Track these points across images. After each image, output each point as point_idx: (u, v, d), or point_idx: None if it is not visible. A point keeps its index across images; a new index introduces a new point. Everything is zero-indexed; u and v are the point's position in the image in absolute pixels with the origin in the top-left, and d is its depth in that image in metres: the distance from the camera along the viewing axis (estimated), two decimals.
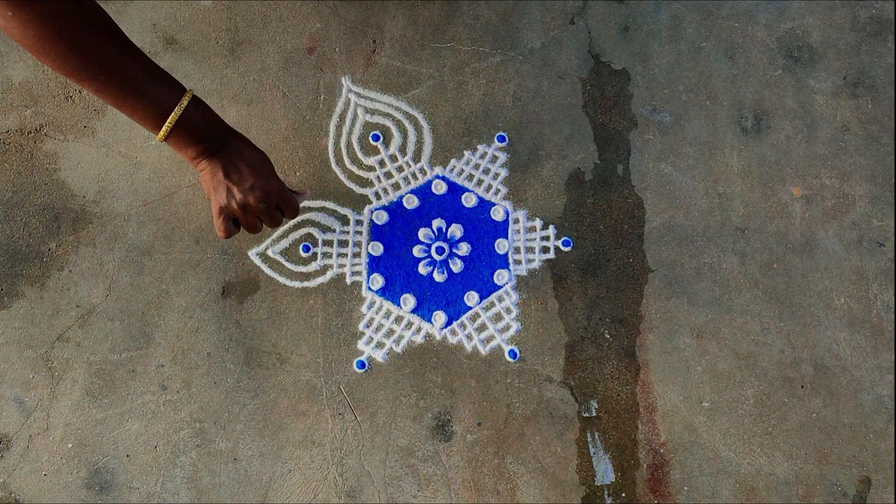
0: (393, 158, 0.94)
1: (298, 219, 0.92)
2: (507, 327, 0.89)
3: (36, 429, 0.87)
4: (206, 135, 0.74)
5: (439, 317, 0.89)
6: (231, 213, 0.77)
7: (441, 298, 0.90)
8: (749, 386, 0.87)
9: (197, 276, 0.90)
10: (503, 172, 0.93)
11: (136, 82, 0.69)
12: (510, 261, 0.91)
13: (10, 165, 0.94)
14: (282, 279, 0.90)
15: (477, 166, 0.94)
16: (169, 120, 0.71)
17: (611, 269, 0.91)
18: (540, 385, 0.88)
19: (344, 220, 0.92)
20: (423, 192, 0.93)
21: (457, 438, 0.87)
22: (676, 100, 0.95)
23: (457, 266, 0.91)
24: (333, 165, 0.94)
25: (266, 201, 0.77)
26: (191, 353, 0.89)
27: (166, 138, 0.72)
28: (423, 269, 0.91)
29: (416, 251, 0.91)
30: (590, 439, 0.86)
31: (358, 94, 0.96)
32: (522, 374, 0.88)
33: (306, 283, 0.90)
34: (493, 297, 0.90)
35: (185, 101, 0.71)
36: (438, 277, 0.90)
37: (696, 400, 0.87)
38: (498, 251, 0.91)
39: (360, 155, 0.94)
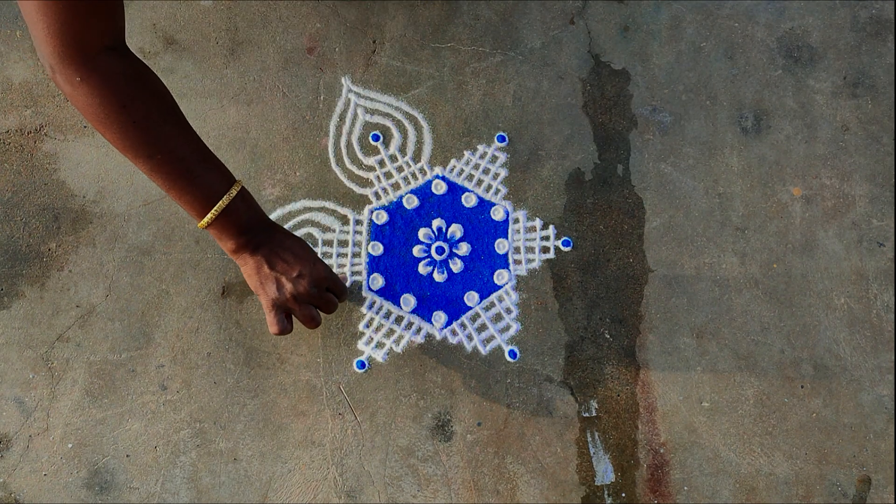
0: (393, 158, 0.94)
1: (298, 218, 0.92)
2: (507, 327, 0.89)
3: (36, 429, 0.87)
4: (249, 227, 0.72)
5: (439, 317, 0.89)
6: (283, 306, 0.75)
7: (441, 298, 0.90)
8: (749, 386, 0.87)
9: (197, 276, 0.90)
10: (503, 172, 0.93)
11: (190, 165, 0.67)
12: (510, 261, 0.91)
13: (10, 165, 0.94)
14: None
15: (477, 166, 0.94)
16: (215, 208, 0.69)
17: (611, 269, 0.91)
18: (540, 385, 0.88)
19: (344, 220, 0.92)
20: (423, 192, 0.93)
21: (457, 438, 0.87)
22: (676, 100, 0.95)
23: (457, 266, 0.91)
24: (333, 165, 0.94)
25: (317, 286, 0.75)
26: (191, 353, 0.89)
27: (209, 226, 0.71)
28: (423, 269, 0.91)
29: (416, 251, 0.91)
30: (590, 439, 0.86)
31: (358, 94, 0.96)
32: (522, 374, 0.88)
33: None
34: (493, 297, 0.90)
35: (234, 192, 0.70)
36: (438, 277, 0.90)
37: (696, 400, 0.87)
38: (498, 251, 0.91)
39: (360, 155, 0.94)
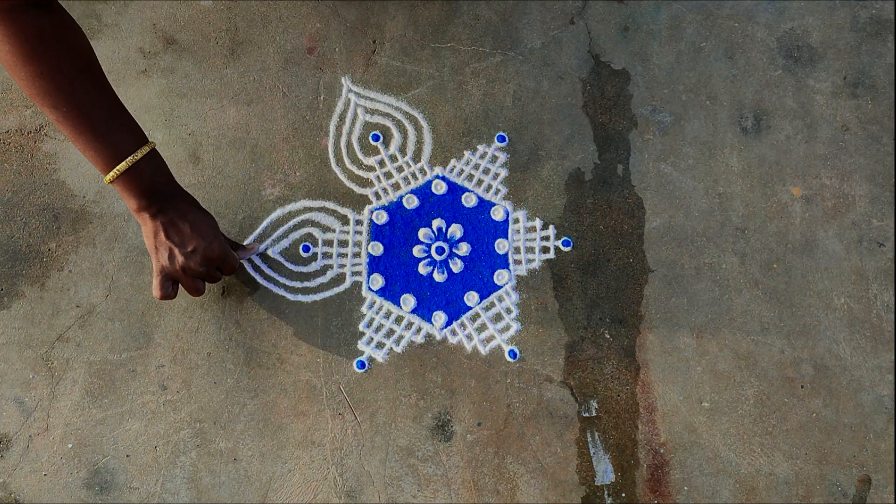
0: (393, 158, 0.94)
1: (298, 218, 0.92)
2: (507, 327, 0.89)
3: (36, 429, 0.87)
4: (153, 191, 0.73)
5: (439, 317, 0.89)
6: (171, 275, 0.77)
7: (441, 298, 0.90)
8: (749, 386, 0.87)
9: None
10: (503, 172, 0.93)
11: (97, 122, 0.69)
12: (510, 261, 0.91)
13: (10, 165, 0.94)
14: (282, 279, 0.90)
15: (477, 166, 0.94)
16: (117, 168, 0.71)
17: (611, 269, 0.91)
18: (540, 385, 0.88)
19: (344, 220, 0.92)
20: (423, 192, 0.93)
21: (457, 438, 0.87)
22: (676, 100, 0.95)
23: (457, 266, 0.91)
24: (333, 165, 0.94)
25: (207, 265, 0.77)
26: (191, 353, 0.89)
27: (112, 182, 0.72)
28: (423, 269, 0.91)
29: (416, 251, 0.91)
30: (590, 439, 0.86)
31: (358, 94, 0.96)
32: (522, 374, 0.88)
33: (306, 283, 0.90)
34: (493, 297, 0.90)
35: (139, 154, 0.71)
36: (438, 277, 0.90)
37: (696, 400, 0.87)
38: (498, 251, 0.91)
39: (360, 155, 0.94)
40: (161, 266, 0.77)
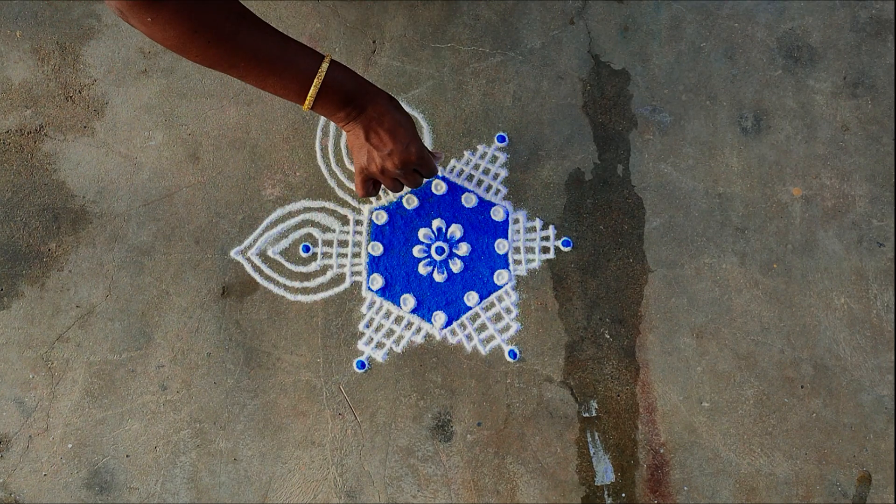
0: None
1: (298, 218, 0.92)
2: (507, 327, 0.89)
3: (36, 429, 0.87)
4: (348, 98, 0.75)
5: (439, 317, 0.89)
6: (370, 175, 0.79)
7: (441, 298, 0.90)
8: (749, 386, 0.87)
9: (197, 277, 0.90)
10: (503, 172, 0.93)
11: (273, 61, 0.70)
12: (510, 261, 0.91)
13: (10, 165, 0.94)
14: (282, 279, 0.90)
15: (477, 166, 0.94)
16: (310, 93, 0.72)
17: (611, 269, 0.91)
18: (540, 385, 0.88)
19: (344, 220, 0.92)
20: (423, 192, 0.93)
21: (457, 438, 0.87)
22: (676, 100, 0.95)
23: (457, 266, 0.91)
24: (333, 165, 0.94)
25: (404, 167, 0.78)
26: (191, 353, 0.89)
27: (312, 107, 0.74)
28: (422, 270, 0.91)
29: (416, 251, 0.91)
30: (590, 439, 0.86)
31: None
32: (522, 374, 0.88)
33: (306, 283, 0.90)
34: (492, 297, 0.90)
35: (323, 69, 0.72)
36: (438, 277, 0.90)
37: (696, 400, 0.87)
38: (498, 251, 0.91)
39: None
40: (361, 167, 0.79)
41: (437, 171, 0.85)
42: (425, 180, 0.89)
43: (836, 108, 0.94)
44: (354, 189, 0.85)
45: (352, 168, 0.93)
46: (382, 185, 0.83)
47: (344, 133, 0.95)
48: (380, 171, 0.78)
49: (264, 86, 0.72)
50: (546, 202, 0.92)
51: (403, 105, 0.95)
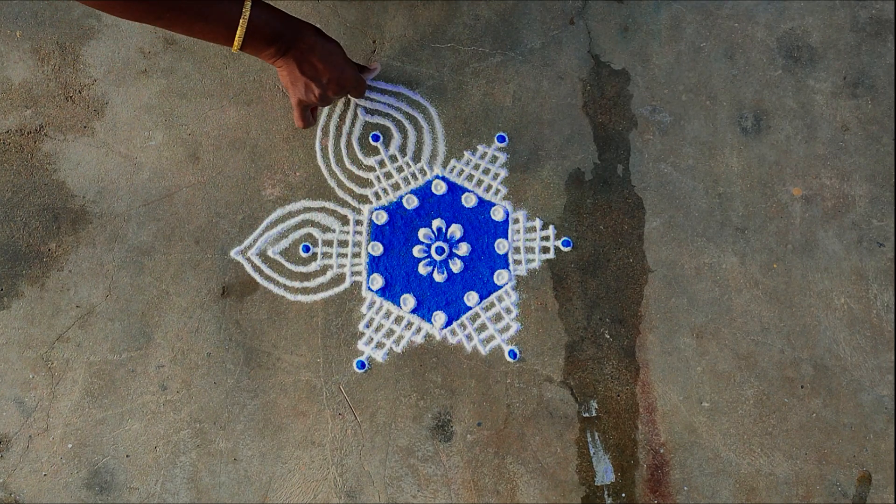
0: (393, 159, 0.94)
1: (298, 218, 0.92)
2: (507, 327, 0.89)
3: (36, 429, 0.87)
4: (276, 34, 0.77)
5: (439, 317, 0.89)
6: (308, 104, 0.83)
7: (441, 298, 0.90)
8: (749, 386, 0.87)
9: (197, 277, 0.90)
10: (503, 172, 0.93)
11: (197, 8, 0.72)
12: (510, 261, 0.91)
13: (10, 165, 0.94)
14: (282, 279, 0.90)
15: (477, 166, 0.94)
16: (238, 34, 0.74)
17: (611, 269, 0.91)
18: (540, 385, 0.88)
19: (344, 220, 0.92)
20: (423, 192, 0.93)
21: (457, 438, 0.87)
22: (676, 100, 0.95)
23: (457, 266, 0.91)
24: (333, 165, 0.93)
25: (341, 91, 0.83)
26: (191, 353, 0.89)
27: (241, 48, 0.76)
28: (422, 270, 0.91)
29: (416, 251, 0.91)
30: (590, 439, 0.86)
31: None
32: (522, 374, 0.88)
33: (306, 283, 0.90)
34: (492, 297, 0.90)
35: (246, 12, 0.73)
36: (438, 277, 0.90)
37: (696, 400, 0.87)
38: (498, 251, 0.91)
39: (360, 155, 0.94)
40: (298, 99, 0.82)
41: (366, 88, 0.91)
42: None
43: (836, 108, 0.94)
44: (294, 123, 0.88)
45: (352, 168, 0.93)
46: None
47: (344, 133, 0.95)
48: (318, 99, 0.82)
49: (192, 32, 0.74)
50: (546, 202, 0.92)
51: (404, 105, 0.95)
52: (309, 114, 0.85)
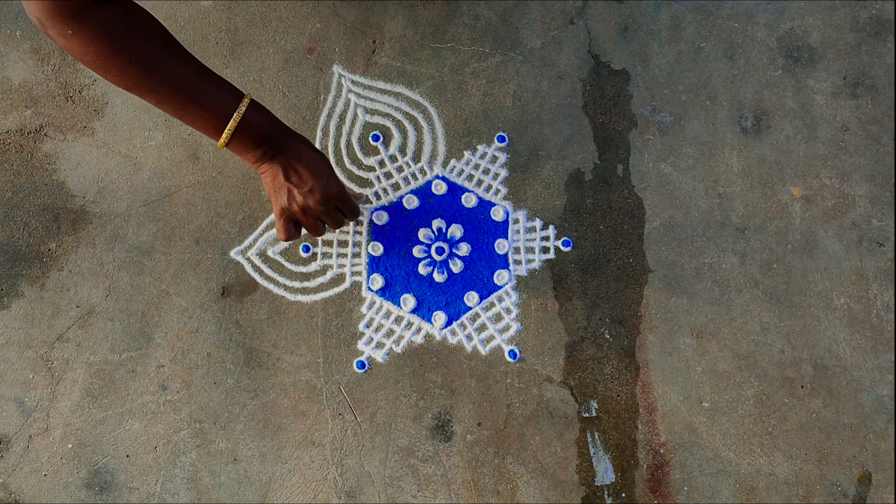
0: (393, 159, 0.94)
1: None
2: (507, 327, 0.89)
3: (36, 429, 0.87)
4: (265, 138, 0.74)
5: (439, 317, 0.89)
6: (292, 216, 0.78)
7: (441, 298, 0.90)
8: (749, 386, 0.87)
9: (197, 277, 0.90)
10: (503, 172, 0.93)
11: (194, 91, 0.70)
12: (510, 261, 0.91)
13: (10, 165, 0.94)
14: (282, 279, 0.90)
15: (477, 166, 0.94)
16: (228, 127, 0.71)
17: (611, 269, 0.91)
18: (540, 385, 0.88)
19: None
20: (423, 192, 0.93)
21: (457, 438, 0.87)
22: (676, 100, 0.95)
23: (457, 266, 0.91)
24: (333, 165, 0.93)
25: (326, 203, 0.78)
26: (191, 353, 0.89)
27: (227, 144, 0.73)
28: (422, 270, 0.91)
29: (416, 251, 0.91)
30: (590, 439, 0.86)
31: (358, 95, 0.96)
32: (522, 374, 0.88)
33: (306, 283, 0.90)
34: (493, 297, 0.90)
35: (243, 108, 0.72)
36: (438, 277, 0.90)
37: (696, 400, 0.87)
38: (498, 251, 0.91)
39: (359, 155, 0.94)
40: (281, 208, 0.77)
41: (360, 213, 0.84)
42: (348, 221, 0.87)
43: (836, 108, 0.94)
44: (277, 234, 0.82)
45: (352, 168, 0.93)
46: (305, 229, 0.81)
47: (344, 133, 0.95)
48: (301, 210, 0.77)
49: (182, 115, 0.71)
50: (546, 202, 0.92)
51: (404, 105, 0.95)
52: (292, 226, 0.79)
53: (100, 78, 0.95)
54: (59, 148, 0.94)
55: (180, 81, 0.69)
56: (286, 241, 0.80)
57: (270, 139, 0.75)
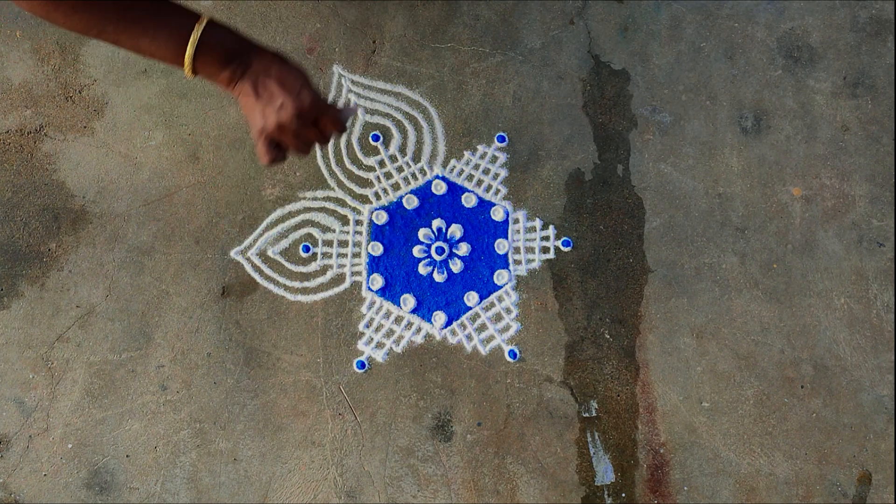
0: (393, 159, 0.94)
1: (298, 218, 0.92)
2: (507, 327, 0.89)
3: (36, 429, 0.87)
4: (230, 58, 0.70)
5: (439, 317, 0.89)
6: (269, 136, 0.72)
7: (441, 298, 0.90)
8: (749, 386, 0.87)
9: (197, 277, 0.90)
10: (503, 172, 0.93)
11: (145, 21, 0.67)
12: (510, 261, 0.91)
13: (10, 165, 0.94)
14: (282, 279, 0.90)
15: (477, 166, 0.94)
16: (187, 53, 0.68)
17: (611, 269, 0.91)
18: (540, 385, 0.88)
19: (344, 221, 0.92)
20: (423, 192, 0.93)
21: (457, 438, 0.87)
22: (676, 100, 0.95)
23: (457, 266, 0.91)
24: (333, 165, 0.93)
25: (301, 118, 0.71)
26: (191, 353, 0.89)
27: (194, 71, 0.69)
28: (422, 270, 0.91)
29: (416, 251, 0.91)
30: (590, 439, 0.86)
31: (358, 95, 0.96)
32: (522, 374, 0.88)
33: (306, 283, 0.90)
34: (492, 297, 0.90)
35: (198, 30, 0.68)
36: (438, 277, 0.90)
37: (696, 400, 0.87)
38: (498, 251, 0.91)
39: (360, 155, 0.94)
40: (258, 129, 0.71)
41: (345, 124, 0.75)
42: (335, 135, 0.77)
43: (836, 108, 0.94)
44: (259, 157, 0.74)
45: (352, 168, 0.93)
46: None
47: (343, 133, 0.95)
48: (277, 128, 0.71)
49: (139, 49, 0.68)
50: (546, 202, 0.92)
51: (404, 105, 0.95)
52: (273, 148, 0.72)
53: (100, 78, 0.95)
54: (59, 148, 0.94)
55: (127, 14, 0.66)
56: (269, 164, 0.72)
57: (235, 57, 0.70)
